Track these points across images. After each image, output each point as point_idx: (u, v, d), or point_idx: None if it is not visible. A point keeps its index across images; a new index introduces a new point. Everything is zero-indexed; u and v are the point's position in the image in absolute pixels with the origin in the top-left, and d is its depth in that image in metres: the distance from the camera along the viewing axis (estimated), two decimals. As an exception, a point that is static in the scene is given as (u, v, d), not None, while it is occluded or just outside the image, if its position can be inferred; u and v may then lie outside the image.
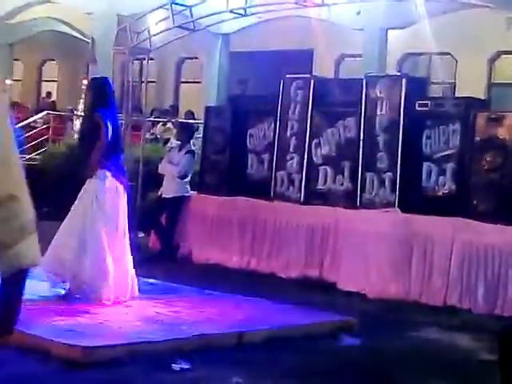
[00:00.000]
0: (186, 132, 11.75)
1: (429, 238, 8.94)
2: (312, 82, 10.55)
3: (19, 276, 2.32)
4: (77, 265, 7.46)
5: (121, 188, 7.71)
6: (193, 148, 11.56)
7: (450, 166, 9.23)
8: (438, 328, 7.71)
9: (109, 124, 7.60)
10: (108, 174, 7.62)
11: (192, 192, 11.29)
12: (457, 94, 11.43)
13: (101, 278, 7.44)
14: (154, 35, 11.95)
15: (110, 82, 8.17)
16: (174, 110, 19.40)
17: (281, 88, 10.68)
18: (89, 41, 19.25)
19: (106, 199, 7.59)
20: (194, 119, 16.58)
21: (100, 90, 7.82)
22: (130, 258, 7.76)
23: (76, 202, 7.66)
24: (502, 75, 14.19)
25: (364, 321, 7.63)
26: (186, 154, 11.23)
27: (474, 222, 8.67)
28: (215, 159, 11.20)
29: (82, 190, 7.67)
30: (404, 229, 9.17)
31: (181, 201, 11.13)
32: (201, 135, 12.35)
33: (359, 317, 7.69)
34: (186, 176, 11.20)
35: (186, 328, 6.82)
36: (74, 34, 22.36)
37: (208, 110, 11.92)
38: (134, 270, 7.78)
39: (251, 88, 12.78)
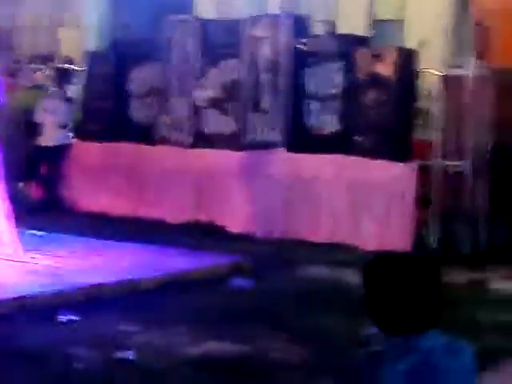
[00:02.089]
0: (62, 78, 11.40)
1: (315, 177, 8.98)
2: (193, 23, 10.36)
3: None
4: None
5: None
6: (69, 95, 11.24)
7: (333, 104, 9.26)
8: (327, 265, 7.79)
9: None
10: None
11: (74, 140, 10.98)
12: (338, 32, 11.42)
13: None
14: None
15: None
16: (52, 55, 18.79)
17: (162, 30, 10.45)
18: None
19: None
20: (73, 65, 16.12)
21: None
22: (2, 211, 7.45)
23: None
24: (383, 12, 14.30)
25: (254, 262, 7.64)
26: (64, 101, 10.91)
27: (358, 159, 8.75)
28: (97, 105, 10.91)
29: None
30: (290, 168, 9.18)
31: (62, 149, 10.81)
32: (81, 81, 11.99)
33: (250, 259, 7.69)
34: (66, 125, 10.89)
35: (72, 278, 6.66)
36: None
37: (89, 55, 11.56)
38: (13, 221, 7.50)
39: (132, 32, 12.47)
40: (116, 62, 10.88)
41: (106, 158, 10.52)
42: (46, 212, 9.98)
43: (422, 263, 2.28)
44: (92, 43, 16.49)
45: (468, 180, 8.63)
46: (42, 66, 17.36)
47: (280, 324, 5.95)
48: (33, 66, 17.92)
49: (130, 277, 6.86)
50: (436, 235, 8.51)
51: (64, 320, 5.86)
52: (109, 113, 10.84)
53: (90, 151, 10.72)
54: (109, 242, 8.15)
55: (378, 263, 2.30)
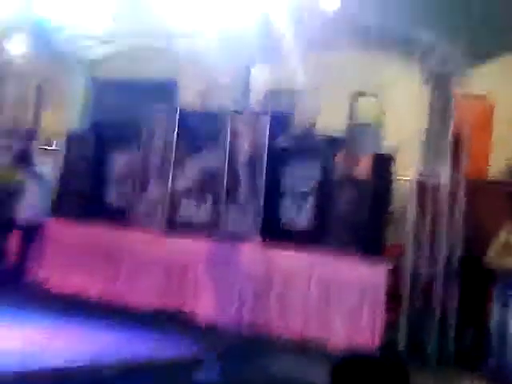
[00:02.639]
0: (41, 157, 11.49)
1: (288, 271, 9.01)
2: (176, 112, 10.53)
3: None
4: None
5: None
6: (47, 174, 11.34)
7: (309, 202, 9.38)
8: (293, 361, 7.75)
9: None
10: None
11: (50, 218, 10.97)
12: (318, 133, 11.66)
13: None
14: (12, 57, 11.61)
15: None
16: (32, 134, 18.89)
17: (144, 116, 10.60)
18: None
19: None
20: (52, 144, 16.21)
21: None
22: None
23: None
24: (362, 115, 14.61)
25: (220, 354, 7.58)
26: (42, 180, 11.01)
27: (329, 256, 8.81)
28: (75, 186, 10.95)
29: None
30: (264, 262, 9.21)
31: (36, 227, 10.79)
32: (59, 161, 12.06)
33: (216, 350, 7.64)
34: (43, 203, 10.91)
35: (35, 360, 6.56)
36: None
37: (69, 136, 11.66)
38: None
39: (114, 116, 12.63)
40: (95, 145, 10.98)
41: (80, 238, 10.50)
42: (13, 289, 9.88)
43: (390, 367, 2.28)
44: (72, 124, 16.62)
45: (438, 286, 8.70)
46: (21, 143, 17.43)
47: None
48: (10, 142, 17.96)
49: (93, 362, 6.78)
50: (404, 337, 8.52)
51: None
52: (85, 194, 10.87)
53: (65, 231, 10.69)
54: (77, 323, 8.08)
55: (345, 365, 2.30)
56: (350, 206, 9.01)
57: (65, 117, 17.93)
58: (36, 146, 14.85)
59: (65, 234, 10.67)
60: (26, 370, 6.28)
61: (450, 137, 9.00)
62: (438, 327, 8.63)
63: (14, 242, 10.89)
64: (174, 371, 6.91)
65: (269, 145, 9.67)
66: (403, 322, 8.56)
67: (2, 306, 8.36)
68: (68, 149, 11.35)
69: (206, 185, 10.08)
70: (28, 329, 7.61)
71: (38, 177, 11.05)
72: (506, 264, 7.92)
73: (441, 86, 9.20)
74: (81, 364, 6.64)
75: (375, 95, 14.54)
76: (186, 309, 9.51)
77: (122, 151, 10.80)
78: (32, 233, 10.79)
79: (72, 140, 11.42)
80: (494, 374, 7.88)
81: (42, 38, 11.62)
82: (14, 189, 11.03)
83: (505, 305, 7.97)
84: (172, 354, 7.43)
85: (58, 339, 7.36)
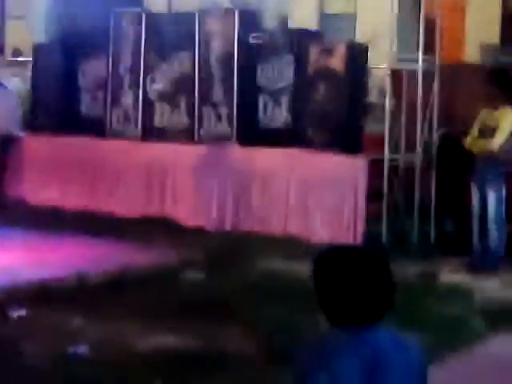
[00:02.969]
0: (10, 70, 11.29)
1: (267, 171, 9.01)
2: (143, 16, 10.31)
3: None
4: None
5: None
6: (19, 87, 11.13)
7: (284, 99, 9.29)
8: (278, 258, 7.82)
9: None
10: None
11: (23, 133, 10.85)
12: (289, 26, 11.46)
13: None
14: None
15: None
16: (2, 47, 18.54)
17: (111, 23, 10.38)
18: None
19: None
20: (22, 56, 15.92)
21: None
22: None
23: None
24: (334, 6, 14.40)
25: (206, 255, 7.64)
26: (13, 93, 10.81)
27: (309, 153, 8.79)
28: (46, 98, 10.79)
29: None
30: (242, 162, 9.20)
31: (9, 141, 10.69)
32: (29, 73, 11.85)
33: (202, 252, 7.69)
34: (15, 117, 10.77)
35: (22, 273, 6.60)
36: None
37: (36, 47, 11.42)
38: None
39: (81, 23, 12.35)
40: (64, 55, 10.78)
41: (56, 151, 10.42)
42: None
43: (371, 256, 2.31)
44: (39, 35, 16.29)
45: (417, 173, 8.75)
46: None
47: (232, 317, 5.97)
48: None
49: (81, 271, 6.81)
50: (387, 228, 8.61)
51: (14, 316, 5.80)
52: (58, 106, 10.73)
53: (39, 144, 10.61)
54: (59, 236, 8.09)
55: (327, 256, 2.32)
56: (326, 100, 8.94)
57: (31, 27, 17.57)
58: (3, 58, 14.58)
59: (38, 147, 10.58)
60: (11, 284, 6.31)
61: (422, 21, 8.88)
62: (419, 216, 8.71)
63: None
64: (160, 276, 6.96)
65: (240, 42, 9.50)
66: (385, 214, 8.63)
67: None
68: (36, 60, 11.13)
69: (179, 88, 9.95)
70: (10, 244, 7.62)
71: (8, 89, 10.87)
72: (485, 147, 7.93)
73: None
74: (67, 276, 6.67)
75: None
76: (170, 214, 9.53)
77: (91, 60, 10.60)
78: (4, 147, 10.67)
79: (40, 51, 11.18)
80: (477, 259, 8.00)
81: None
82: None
83: (484, 189, 8.02)
84: (157, 260, 7.47)
85: (41, 253, 7.38)
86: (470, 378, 4.83)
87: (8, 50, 17.56)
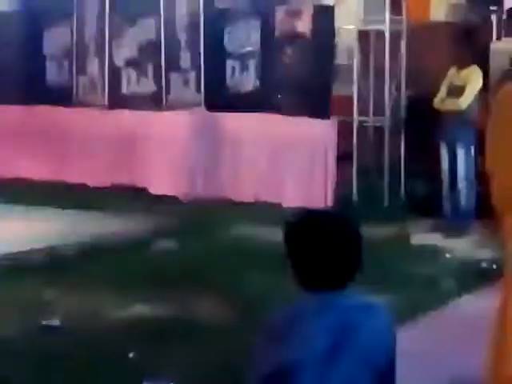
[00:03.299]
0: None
1: (236, 135, 8.97)
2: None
3: None
4: None
5: None
6: None
7: (252, 62, 9.23)
8: (250, 224, 7.82)
9: None
10: None
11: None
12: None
13: None
14: None
15: None
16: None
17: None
18: None
19: None
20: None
21: None
22: None
23: None
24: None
25: (178, 223, 7.62)
26: None
27: (278, 117, 8.76)
28: (10, 67, 10.63)
29: None
30: (211, 128, 9.15)
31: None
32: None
33: (173, 220, 7.67)
34: None
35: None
36: None
37: (-2, 15, 11.22)
38: None
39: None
40: (27, 22, 10.61)
41: (22, 121, 10.29)
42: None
43: (341, 218, 2.34)
44: (2, 2, 15.98)
45: (386, 134, 8.75)
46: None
47: (205, 285, 5.96)
48: None
49: (52, 242, 6.78)
50: (357, 191, 8.62)
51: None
52: (23, 75, 10.58)
53: (4, 115, 10.47)
54: (28, 207, 8.02)
55: (298, 221, 2.35)
56: (294, 63, 8.89)
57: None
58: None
59: (4, 117, 10.44)
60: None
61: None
62: (390, 178, 8.73)
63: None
64: (132, 246, 6.93)
65: (206, 6, 9.40)
66: (355, 177, 8.64)
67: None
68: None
69: (146, 55, 9.84)
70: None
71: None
72: (453, 107, 7.93)
73: None
74: (38, 247, 6.63)
75: None
76: (140, 183, 9.48)
77: (55, 27, 10.45)
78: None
79: (2, 18, 10.99)
80: (448, 220, 8.04)
81: None
82: None
83: (453, 148, 8.03)
84: (129, 230, 7.44)
85: (10, 225, 7.32)
86: (442, 338, 4.88)
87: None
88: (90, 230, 7.26)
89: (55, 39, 10.49)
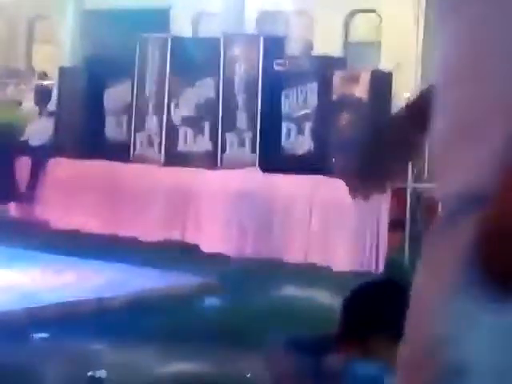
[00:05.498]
0: (39, 94, 11.39)
1: (289, 197, 8.99)
2: (169, 41, 10.38)
3: None
4: None
5: None
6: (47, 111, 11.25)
7: (308, 125, 9.29)
8: (299, 285, 7.78)
9: None
10: None
11: (50, 155, 10.95)
12: (314, 53, 11.51)
13: None
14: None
15: None
16: (28, 71, 18.76)
17: (137, 48, 10.46)
18: None
19: None
20: (48, 80, 16.09)
21: None
22: None
23: None
24: (358, 34, 14.42)
25: (227, 282, 7.62)
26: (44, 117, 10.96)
27: (331, 179, 8.76)
28: (71, 122, 10.87)
29: None
30: (264, 188, 9.19)
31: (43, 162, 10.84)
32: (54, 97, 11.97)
33: (223, 278, 7.66)
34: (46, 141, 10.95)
35: (43, 295, 6.61)
36: None
37: (62, 71, 11.53)
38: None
39: (107, 48, 12.49)
40: (89, 79, 10.87)
41: (80, 175, 10.47)
42: (18, 228, 9.91)
43: (397, 288, 2.30)
44: (65, 59, 16.47)
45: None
46: (15, 81, 17.29)
47: (250, 344, 5.93)
48: (5, 79, 17.82)
49: (101, 295, 6.82)
50: (409, 257, 8.55)
51: (36, 338, 5.81)
52: (83, 130, 10.81)
53: (63, 168, 10.67)
54: (81, 260, 8.10)
55: (357, 289, 2.34)
56: (350, 127, 8.93)
57: (56, 51, 17.75)
58: (31, 82, 14.72)
59: (63, 170, 10.63)
60: (35, 306, 6.32)
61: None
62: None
63: (18, 178, 10.90)
64: (180, 302, 6.94)
65: (265, 68, 9.53)
66: (408, 243, 8.58)
67: (8, 245, 8.37)
68: (61, 84, 11.22)
69: (203, 114, 9.98)
70: (35, 267, 7.65)
71: (43, 112, 11.01)
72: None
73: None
74: (87, 299, 6.67)
75: (373, 11, 14.34)
76: (191, 240, 9.53)
77: (116, 84, 10.68)
78: (35, 170, 10.77)
79: (65, 75, 11.29)
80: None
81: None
82: (16, 126, 11.00)
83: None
84: (179, 284, 7.46)
85: (64, 276, 7.40)
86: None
87: (34, 74, 17.71)
88: (139, 283, 7.29)
89: (115, 96, 10.71)
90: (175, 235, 9.67)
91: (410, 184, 8.68)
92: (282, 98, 9.44)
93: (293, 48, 10.64)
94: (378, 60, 13.29)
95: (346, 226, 8.60)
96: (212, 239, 9.36)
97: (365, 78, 8.95)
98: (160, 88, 10.28)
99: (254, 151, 9.55)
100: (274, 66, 9.53)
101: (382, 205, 8.46)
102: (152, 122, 10.34)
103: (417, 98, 1.68)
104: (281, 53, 10.12)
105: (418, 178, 8.80)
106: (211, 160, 9.82)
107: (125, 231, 9.86)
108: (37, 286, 6.98)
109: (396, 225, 8.53)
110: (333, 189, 8.75)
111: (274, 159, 9.38)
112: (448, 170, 1.03)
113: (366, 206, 8.52)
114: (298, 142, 9.34)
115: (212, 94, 9.91)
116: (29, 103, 12.66)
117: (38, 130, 10.90)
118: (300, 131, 9.33)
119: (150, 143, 10.35)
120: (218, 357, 5.64)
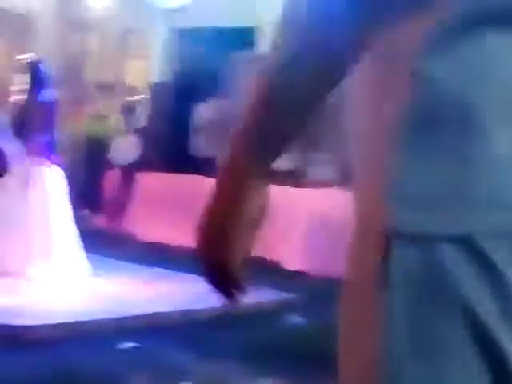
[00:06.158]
0: (129, 109, 11.71)
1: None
2: (258, 59, 10.56)
3: None
4: None
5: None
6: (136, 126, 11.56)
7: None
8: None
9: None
10: None
11: (139, 169, 11.24)
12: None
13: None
14: (96, 7, 11.79)
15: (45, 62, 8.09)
16: (120, 85, 19.18)
17: (229, 65, 10.67)
18: (24, 13, 18.80)
19: None
20: (139, 95, 16.46)
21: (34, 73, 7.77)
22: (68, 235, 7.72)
23: None
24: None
25: (309, 299, 7.69)
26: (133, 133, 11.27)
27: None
28: (161, 137, 11.15)
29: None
30: (346, 206, 9.24)
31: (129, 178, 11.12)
32: (144, 112, 12.29)
33: (304, 295, 7.74)
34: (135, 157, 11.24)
35: (133, 306, 6.81)
36: (6, 6, 21.74)
37: (153, 86, 11.83)
38: (78, 246, 7.74)
39: (197, 65, 12.76)
40: (180, 94, 11.11)
41: (167, 189, 10.71)
42: (108, 239, 10.20)
43: None
44: (157, 74, 16.82)
45: None
46: (106, 95, 17.73)
47: (333, 362, 6.00)
48: (98, 94, 18.29)
49: (185, 307, 6.99)
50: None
51: (124, 347, 5.99)
52: (172, 145, 11.06)
53: (152, 182, 10.93)
54: (167, 271, 8.31)
55: None
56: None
57: (149, 67, 18.14)
58: (121, 97, 15.09)
59: (151, 184, 10.89)
60: (125, 316, 6.52)
61: None
62: None
63: (107, 191, 11.20)
64: (261, 319, 7.05)
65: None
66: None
67: (99, 255, 8.65)
68: (153, 100, 11.51)
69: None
70: (121, 277, 7.87)
71: (130, 127, 11.31)
72: None
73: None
74: (174, 311, 6.85)
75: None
76: (273, 256, 9.65)
77: (207, 100, 10.90)
78: (124, 183, 11.07)
79: (156, 91, 11.57)
80: None
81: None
82: (105, 139, 11.33)
83: None
84: (262, 299, 7.57)
85: (150, 287, 7.60)
86: None
87: (125, 89, 18.10)
88: (221, 298, 7.42)
89: (204, 113, 10.93)
90: (257, 251, 9.75)
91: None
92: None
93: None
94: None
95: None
96: (293, 256, 9.45)
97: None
98: (247, 106, 10.46)
99: (338, 170, 9.63)
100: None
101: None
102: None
103: None
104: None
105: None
106: (297, 177, 9.93)
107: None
108: (126, 296, 7.19)
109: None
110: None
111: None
112: None
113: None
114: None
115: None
116: (117, 118, 13.02)
117: (126, 144, 11.18)
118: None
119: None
120: (299, 376, 5.71)
